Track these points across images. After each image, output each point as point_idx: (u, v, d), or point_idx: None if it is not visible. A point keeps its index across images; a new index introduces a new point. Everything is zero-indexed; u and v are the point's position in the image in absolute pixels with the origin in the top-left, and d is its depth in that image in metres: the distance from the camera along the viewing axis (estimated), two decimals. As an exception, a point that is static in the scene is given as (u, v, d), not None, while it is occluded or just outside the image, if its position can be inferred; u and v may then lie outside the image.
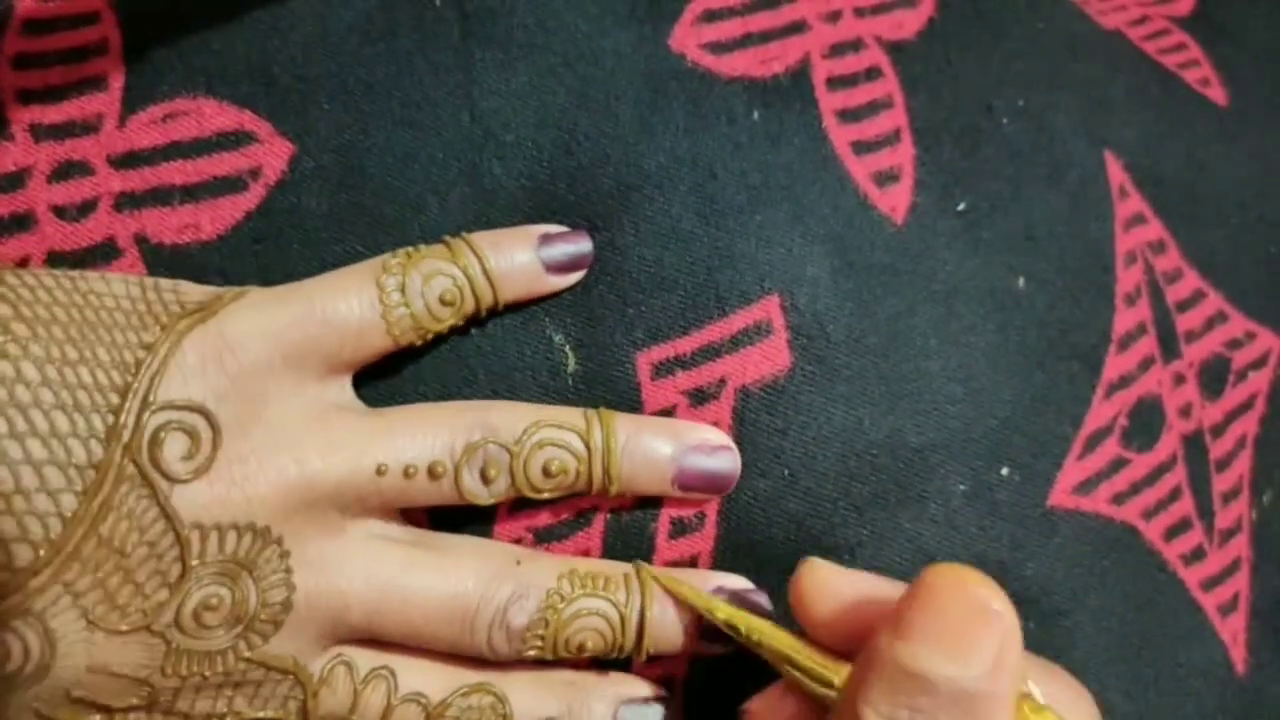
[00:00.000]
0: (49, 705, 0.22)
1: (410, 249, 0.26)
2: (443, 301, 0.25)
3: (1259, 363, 0.33)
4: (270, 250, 0.26)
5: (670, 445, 0.26)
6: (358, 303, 0.24)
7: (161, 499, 0.22)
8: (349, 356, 0.25)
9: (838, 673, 0.22)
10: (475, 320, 0.26)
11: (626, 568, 0.26)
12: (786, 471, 0.27)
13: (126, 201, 0.26)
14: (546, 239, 0.27)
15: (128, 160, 0.26)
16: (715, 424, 0.27)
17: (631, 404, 0.27)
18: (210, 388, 0.23)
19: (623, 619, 0.25)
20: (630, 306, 0.27)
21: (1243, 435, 0.32)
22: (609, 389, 0.27)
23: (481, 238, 0.26)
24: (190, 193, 0.26)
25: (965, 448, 0.28)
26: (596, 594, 0.25)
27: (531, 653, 0.25)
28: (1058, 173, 0.30)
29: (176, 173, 0.26)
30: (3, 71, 0.26)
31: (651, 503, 0.27)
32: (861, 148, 0.29)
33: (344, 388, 0.26)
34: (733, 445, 0.27)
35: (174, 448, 0.22)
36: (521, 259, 0.26)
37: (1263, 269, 0.33)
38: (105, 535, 0.21)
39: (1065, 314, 0.30)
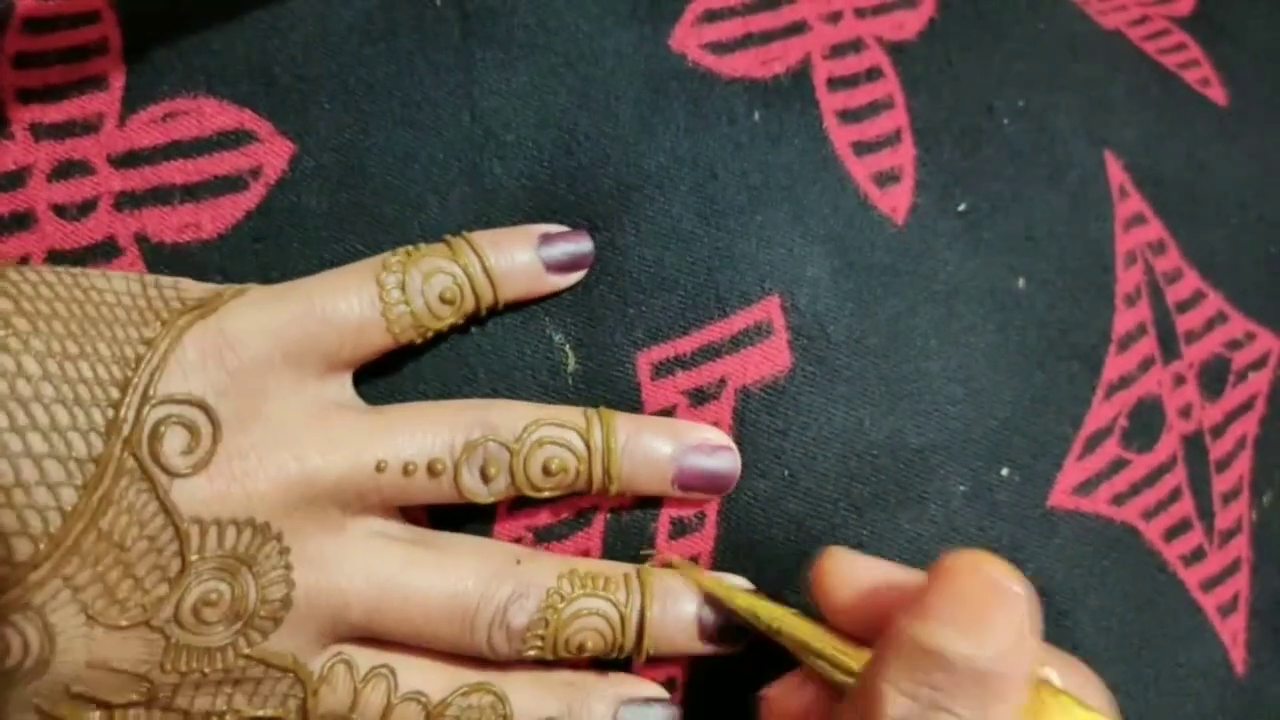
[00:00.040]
0: (49, 701, 0.22)
1: (410, 247, 0.26)
2: (443, 299, 0.25)
3: (1259, 363, 0.33)
4: (271, 249, 0.26)
5: (670, 445, 0.26)
6: (357, 300, 0.24)
7: (161, 493, 0.22)
8: (349, 354, 0.25)
9: (857, 659, 0.22)
10: (475, 319, 0.26)
11: (627, 568, 0.26)
12: (787, 472, 0.27)
13: (127, 201, 0.26)
14: (547, 238, 0.27)
15: (128, 159, 0.26)
16: (715, 424, 0.27)
17: (631, 404, 0.27)
18: (210, 383, 0.23)
19: (623, 619, 0.25)
20: (630, 306, 0.27)
21: (1243, 436, 0.32)
22: (609, 389, 0.27)
23: (482, 236, 0.26)
24: (190, 192, 0.26)
25: (965, 448, 0.28)
26: (597, 594, 0.25)
27: (531, 652, 0.25)
28: (1058, 173, 0.30)
29: (177, 172, 0.26)
30: (3, 70, 0.26)
31: (651, 503, 0.27)
32: (862, 148, 0.29)
33: (344, 385, 0.26)
34: (733, 445, 0.27)
35: (174, 442, 0.22)
36: (522, 258, 0.26)
37: (1263, 269, 0.33)
38: (105, 529, 0.21)
39: (1065, 314, 0.30)
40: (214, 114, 0.26)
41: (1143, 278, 0.31)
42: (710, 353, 0.27)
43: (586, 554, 0.27)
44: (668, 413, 0.27)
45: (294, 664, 0.24)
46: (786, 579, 0.27)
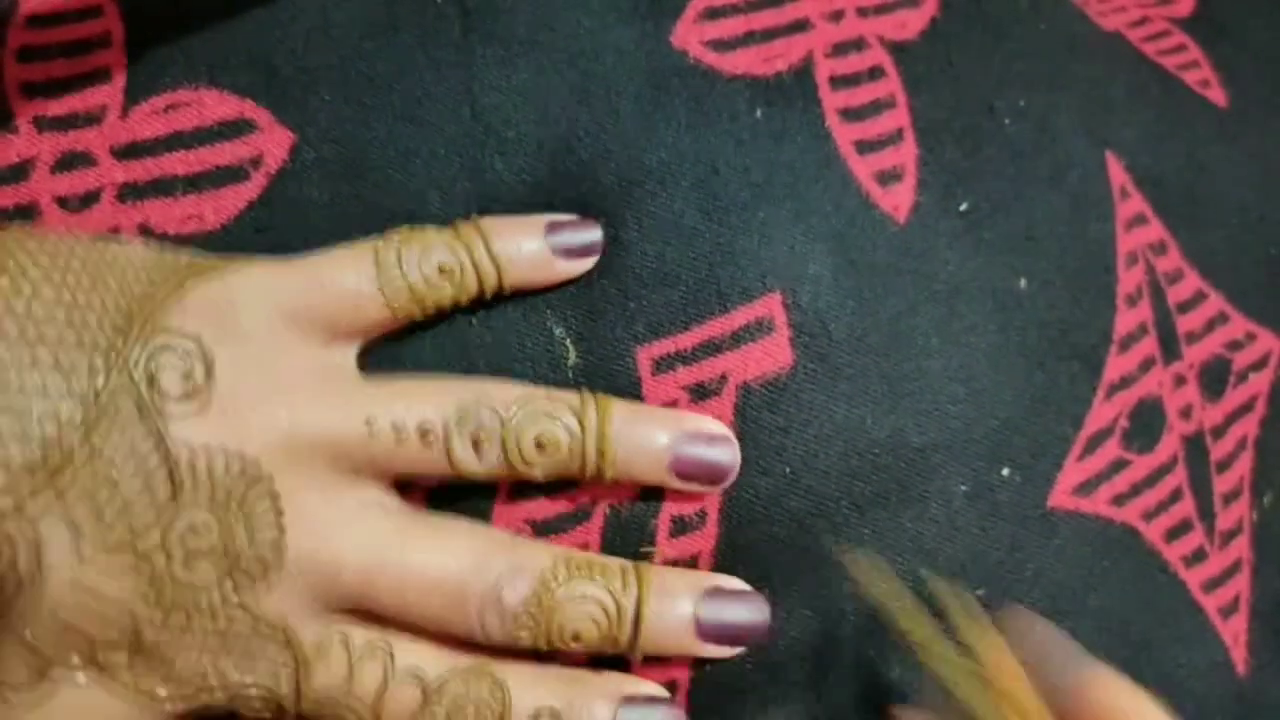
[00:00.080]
0: (35, 629, 0.22)
1: (414, 225, 0.26)
2: (440, 270, 0.25)
3: (1259, 364, 0.33)
4: (273, 240, 0.26)
5: (667, 432, 0.26)
6: (354, 271, 0.25)
7: (155, 417, 0.22)
8: (347, 325, 0.25)
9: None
10: (479, 304, 0.26)
11: (625, 561, 0.26)
12: (788, 469, 0.27)
13: (130, 192, 0.26)
14: (555, 226, 0.27)
15: (130, 151, 0.26)
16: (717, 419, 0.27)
17: (632, 398, 0.27)
18: (209, 330, 0.23)
19: (619, 608, 0.25)
20: (632, 301, 0.27)
21: (1243, 437, 0.32)
22: (609, 383, 0.27)
23: (488, 220, 0.26)
24: (193, 183, 0.26)
25: (966, 448, 0.28)
26: (592, 579, 0.25)
27: (524, 634, 0.25)
28: (1059, 173, 0.31)
29: (179, 163, 0.26)
30: (7, 65, 0.27)
31: (652, 499, 0.27)
32: (864, 147, 0.29)
33: (346, 355, 0.26)
34: (732, 437, 0.26)
35: (170, 376, 0.23)
36: (529, 243, 0.26)
37: (1263, 270, 0.33)
38: (98, 445, 0.22)
39: (1066, 314, 0.30)
40: (215, 104, 0.27)
41: (1144, 278, 0.31)
42: (711, 348, 0.27)
43: (585, 548, 0.27)
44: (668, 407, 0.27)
45: (284, 625, 0.23)
46: (788, 578, 0.27)
